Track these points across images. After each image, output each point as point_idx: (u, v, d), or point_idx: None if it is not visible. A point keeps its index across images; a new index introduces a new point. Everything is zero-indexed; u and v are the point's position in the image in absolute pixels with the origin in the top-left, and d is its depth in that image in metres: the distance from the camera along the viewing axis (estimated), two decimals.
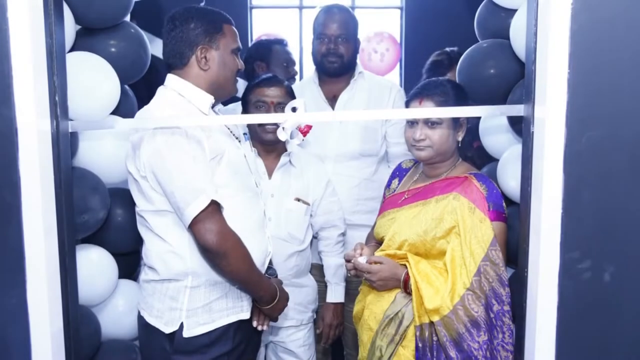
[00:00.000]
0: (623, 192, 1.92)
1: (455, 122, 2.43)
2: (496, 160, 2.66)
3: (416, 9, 6.43)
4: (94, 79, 2.46)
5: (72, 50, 2.49)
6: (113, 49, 2.59)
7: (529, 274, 2.04)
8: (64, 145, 2.10)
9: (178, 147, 2.15)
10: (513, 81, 2.50)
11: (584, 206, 1.93)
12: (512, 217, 2.37)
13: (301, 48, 6.58)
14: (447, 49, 3.64)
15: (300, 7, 6.78)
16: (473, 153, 3.02)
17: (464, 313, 2.25)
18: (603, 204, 1.93)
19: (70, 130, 2.15)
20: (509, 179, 2.47)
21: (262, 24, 6.67)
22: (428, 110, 2.40)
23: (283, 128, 2.15)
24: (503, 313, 2.26)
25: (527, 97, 2.02)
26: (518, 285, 2.13)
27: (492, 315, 2.27)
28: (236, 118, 2.64)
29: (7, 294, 2.01)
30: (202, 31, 2.28)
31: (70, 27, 2.41)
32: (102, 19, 2.55)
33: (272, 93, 2.90)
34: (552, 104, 1.88)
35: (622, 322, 1.98)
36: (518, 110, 2.09)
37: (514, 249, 2.28)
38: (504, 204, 2.38)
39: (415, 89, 2.53)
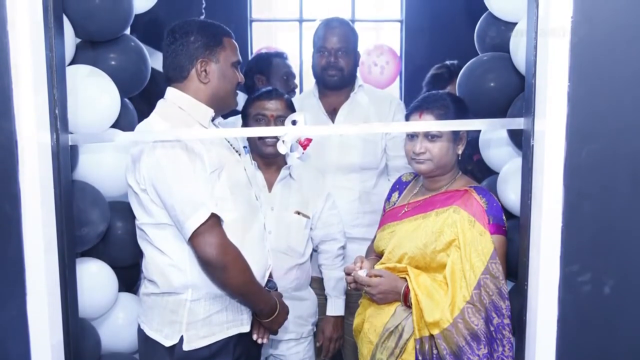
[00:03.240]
0: (623, 206, 1.92)
1: (455, 135, 2.43)
2: (496, 174, 2.66)
3: (416, 22, 6.41)
4: (94, 92, 2.46)
5: (72, 63, 2.49)
6: (113, 62, 2.60)
7: (529, 287, 2.04)
8: (64, 158, 2.09)
9: (178, 160, 2.16)
10: (513, 94, 2.51)
11: (584, 219, 1.93)
12: (512, 230, 2.37)
13: (301, 61, 6.57)
14: (447, 62, 3.65)
15: (300, 21, 6.77)
16: (473, 166, 3.03)
17: (464, 326, 2.24)
18: (603, 217, 1.93)
19: (70, 143, 2.14)
20: (509, 192, 2.47)
21: (262, 37, 6.67)
22: (428, 123, 2.40)
23: (283, 141, 2.15)
24: (503, 326, 2.26)
25: (527, 110, 2.02)
26: (518, 298, 2.13)
27: (492, 329, 2.26)
28: (236, 131, 2.65)
29: (7, 307, 2.01)
30: (202, 44, 2.28)
31: (70, 40, 2.42)
32: (102, 32, 2.56)
33: (272, 106, 2.89)
34: (552, 117, 1.88)
35: (622, 335, 1.97)
36: (518, 123, 2.09)
37: (514, 262, 2.28)
38: (504, 217, 2.38)
39: (415, 102, 2.53)
